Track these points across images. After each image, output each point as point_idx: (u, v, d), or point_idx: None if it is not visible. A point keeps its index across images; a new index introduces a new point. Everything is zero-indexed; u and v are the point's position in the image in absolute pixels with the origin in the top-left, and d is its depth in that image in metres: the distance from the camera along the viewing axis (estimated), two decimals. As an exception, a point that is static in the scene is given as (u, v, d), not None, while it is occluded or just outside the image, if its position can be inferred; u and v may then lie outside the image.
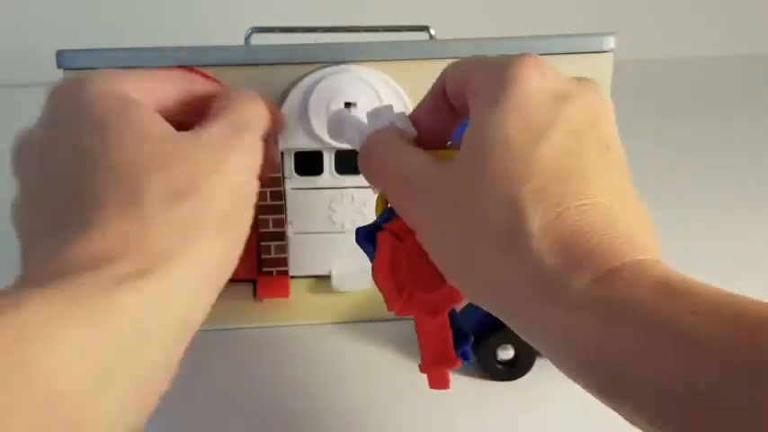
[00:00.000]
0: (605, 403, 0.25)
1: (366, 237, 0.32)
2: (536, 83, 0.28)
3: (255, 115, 0.33)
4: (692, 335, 0.22)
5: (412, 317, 0.33)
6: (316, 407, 0.40)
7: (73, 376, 0.21)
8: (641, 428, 0.24)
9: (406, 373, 0.43)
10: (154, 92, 0.31)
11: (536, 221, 0.25)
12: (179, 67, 0.41)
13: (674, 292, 0.23)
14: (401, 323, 0.47)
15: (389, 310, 0.32)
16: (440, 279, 0.29)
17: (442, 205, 0.28)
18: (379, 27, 0.50)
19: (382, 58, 0.42)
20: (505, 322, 0.27)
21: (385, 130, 0.33)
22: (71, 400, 0.20)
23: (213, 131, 0.30)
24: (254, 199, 0.31)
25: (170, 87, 0.33)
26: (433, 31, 0.52)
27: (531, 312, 0.26)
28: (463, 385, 0.41)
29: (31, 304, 0.21)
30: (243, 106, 0.32)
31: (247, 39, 0.52)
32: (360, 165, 0.33)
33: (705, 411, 0.21)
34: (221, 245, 0.28)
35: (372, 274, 0.32)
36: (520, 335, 0.27)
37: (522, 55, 0.29)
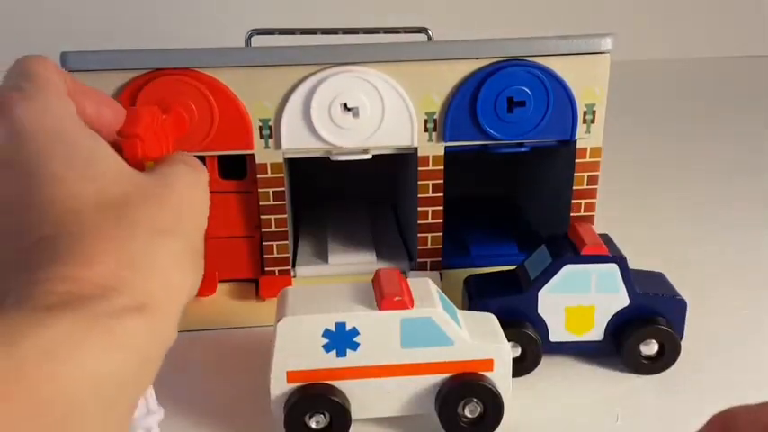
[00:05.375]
0: None
1: None
2: None
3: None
4: None
5: None
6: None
7: (91, 392, 0.23)
8: None
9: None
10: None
11: None
12: (179, 68, 0.41)
13: None
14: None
15: None
16: None
17: None
18: (379, 29, 0.50)
19: (382, 59, 0.42)
20: None
21: None
22: (87, 411, 0.22)
23: (180, 171, 0.31)
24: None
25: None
26: (431, 33, 0.53)
27: None
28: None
29: (59, 326, 0.22)
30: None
31: (247, 41, 0.52)
32: None
33: None
34: (196, 278, 0.30)
35: None
36: None
37: None
